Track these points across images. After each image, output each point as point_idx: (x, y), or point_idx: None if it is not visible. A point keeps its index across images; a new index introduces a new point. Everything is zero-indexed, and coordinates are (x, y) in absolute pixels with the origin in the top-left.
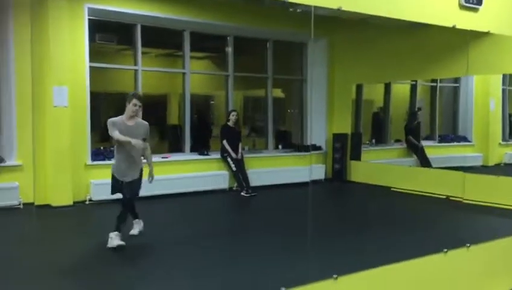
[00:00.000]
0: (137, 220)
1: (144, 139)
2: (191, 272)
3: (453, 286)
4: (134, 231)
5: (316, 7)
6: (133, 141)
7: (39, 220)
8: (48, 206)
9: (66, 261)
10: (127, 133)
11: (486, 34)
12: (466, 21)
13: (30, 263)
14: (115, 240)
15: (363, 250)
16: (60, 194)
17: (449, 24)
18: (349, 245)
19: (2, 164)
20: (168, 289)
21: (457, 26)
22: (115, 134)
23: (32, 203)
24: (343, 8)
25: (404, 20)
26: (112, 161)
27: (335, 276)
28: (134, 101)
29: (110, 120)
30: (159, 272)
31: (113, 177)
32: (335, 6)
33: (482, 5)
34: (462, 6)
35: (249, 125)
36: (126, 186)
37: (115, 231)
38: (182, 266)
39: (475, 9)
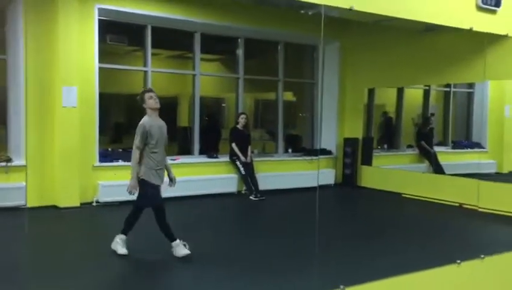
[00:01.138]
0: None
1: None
2: (196, 276)
3: None
4: (185, 250)
5: (327, 9)
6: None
7: (45, 221)
8: (54, 207)
9: (71, 262)
10: (161, 134)
11: (505, 37)
12: (483, 23)
13: (36, 263)
14: (119, 246)
15: (372, 259)
16: (67, 195)
17: (466, 26)
18: (358, 254)
19: (10, 164)
20: None
21: (474, 29)
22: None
23: (39, 204)
24: (355, 8)
25: (418, 23)
26: (122, 163)
27: (342, 287)
28: (149, 94)
29: (143, 123)
30: (161, 274)
31: (151, 185)
32: (347, 6)
33: (501, 6)
34: (479, 8)
35: (259, 128)
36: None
37: (122, 233)
38: (186, 270)
39: (493, 11)
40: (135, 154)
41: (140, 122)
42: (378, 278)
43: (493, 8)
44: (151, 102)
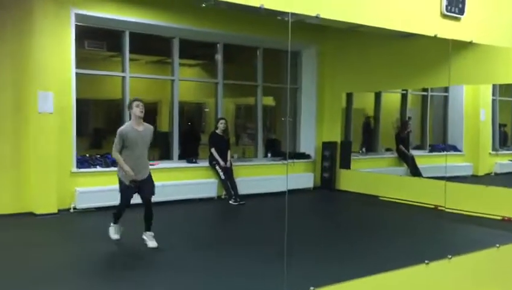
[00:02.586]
0: (149, 233)
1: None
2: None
3: None
4: (153, 243)
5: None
6: (126, 168)
7: (21, 228)
8: (31, 214)
9: (51, 269)
10: (138, 138)
11: (469, 43)
12: (448, 30)
13: (13, 271)
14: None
15: (342, 261)
16: (44, 201)
17: (431, 33)
18: (330, 255)
19: None
20: None
21: (439, 36)
22: (116, 155)
23: (15, 211)
24: (321, 16)
25: (385, 30)
26: (100, 169)
27: (312, 288)
28: (136, 102)
29: (120, 130)
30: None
31: (122, 183)
32: (313, 14)
33: (465, 14)
34: (444, 15)
35: (240, 133)
36: (144, 185)
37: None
38: (165, 275)
39: (457, 19)
40: (115, 154)
41: (120, 128)
42: (347, 279)
43: (457, 15)
44: (136, 110)
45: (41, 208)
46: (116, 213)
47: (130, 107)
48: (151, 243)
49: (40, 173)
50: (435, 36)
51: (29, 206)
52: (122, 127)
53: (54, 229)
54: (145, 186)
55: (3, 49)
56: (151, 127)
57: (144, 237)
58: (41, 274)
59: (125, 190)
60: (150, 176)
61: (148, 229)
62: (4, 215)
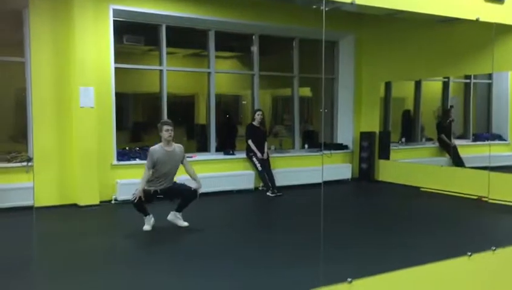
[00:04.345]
0: (178, 213)
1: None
2: (209, 273)
3: None
4: (184, 222)
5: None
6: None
7: (68, 219)
8: (75, 205)
9: (95, 256)
10: (167, 158)
11: None
12: (491, 14)
13: (60, 259)
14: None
15: (383, 251)
16: (87, 193)
17: (473, 17)
18: (370, 246)
19: (30, 164)
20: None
21: (481, 19)
22: (144, 172)
23: (61, 203)
24: (356, 2)
25: (424, 15)
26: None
27: (349, 280)
28: (165, 127)
29: (150, 151)
30: (171, 275)
31: (142, 193)
32: (348, 0)
33: None
34: None
35: (277, 124)
36: (170, 191)
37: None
38: (204, 262)
39: (500, 1)
40: (145, 170)
41: (152, 148)
42: (387, 271)
43: None
44: (165, 134)
45: (84, 199)
46: (138, 210)
47: (160, 129)
48: (182, 223)
49: (83, 166)
50: (477, 20)
51: (73, 198)
52: (152, 148)
53: (97, 220)
54: (172, 191)
55: (45, 47)
56: (181, 147)
57: (173, 217)
58: (85, 262)
59: (136, 203)
60: (178, 184)
61: (179, 210)
62: (50, 207)
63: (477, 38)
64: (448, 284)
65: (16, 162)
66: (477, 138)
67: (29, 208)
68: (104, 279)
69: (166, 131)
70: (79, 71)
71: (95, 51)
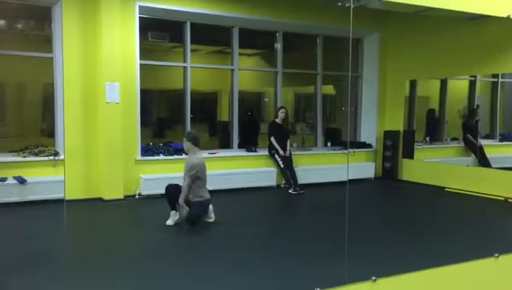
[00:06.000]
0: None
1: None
2: (230, 269)
3: None
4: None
5: (364, 1)
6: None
7: (94, 212)
8: (100, 199)
9: (118, 250)
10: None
11: None
12: None
13: (89, 251)
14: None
15: (408, 251)
16: (111, 188)
17: (503, 14)
18: (394, 245)
19: (57, 158)
20: (205, 283)
21: None
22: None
23: (86, 196)
24: None
25: (454, 12)
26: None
27: (374, 278)
28: (184, 139)
29: (196, 166)
30: (197, 268)
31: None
32: None
33: None
34: None
35: (299, 122)
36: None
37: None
38: (222, 262)
39: None
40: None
41: (195, 162)
42: (411, 271)
43: None
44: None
45: (109, 194)
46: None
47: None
48: (207, 217)
49: (108, 160)
50: (508, 17)
51: (98, 192)
52: (197, 161)
53: (121, 214)
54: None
55: (74, 43)
56: (190, 160)
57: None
58: (109, 255)
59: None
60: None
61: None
62: (77, 201)
63: (505, 35)
64: (474, 285)
65: (43, 156)
66: (504, 138)
67: (55, 201)
68: (139, 270)
69: (184, 143)
70: (106, 67)
71: (121, 47)
